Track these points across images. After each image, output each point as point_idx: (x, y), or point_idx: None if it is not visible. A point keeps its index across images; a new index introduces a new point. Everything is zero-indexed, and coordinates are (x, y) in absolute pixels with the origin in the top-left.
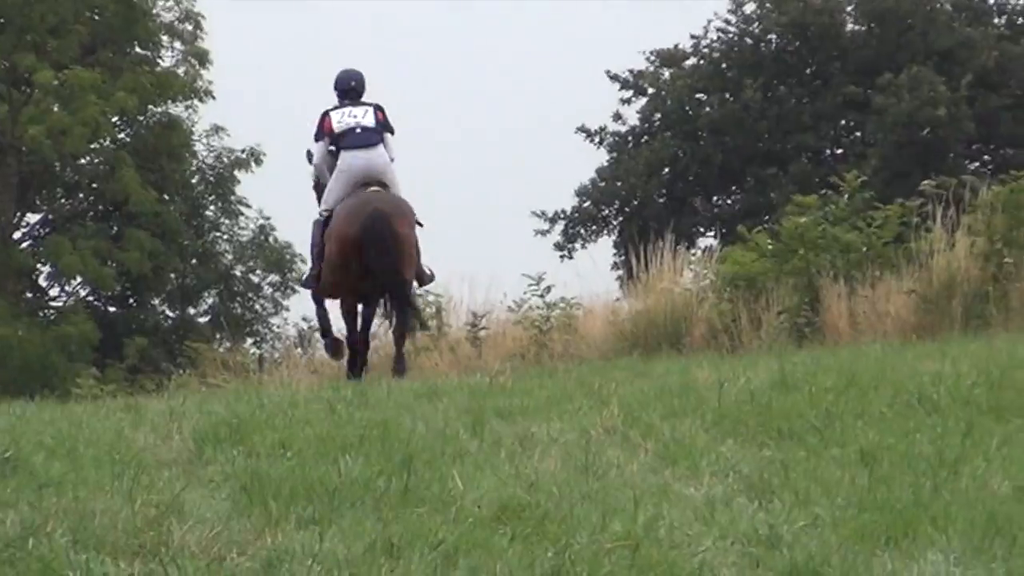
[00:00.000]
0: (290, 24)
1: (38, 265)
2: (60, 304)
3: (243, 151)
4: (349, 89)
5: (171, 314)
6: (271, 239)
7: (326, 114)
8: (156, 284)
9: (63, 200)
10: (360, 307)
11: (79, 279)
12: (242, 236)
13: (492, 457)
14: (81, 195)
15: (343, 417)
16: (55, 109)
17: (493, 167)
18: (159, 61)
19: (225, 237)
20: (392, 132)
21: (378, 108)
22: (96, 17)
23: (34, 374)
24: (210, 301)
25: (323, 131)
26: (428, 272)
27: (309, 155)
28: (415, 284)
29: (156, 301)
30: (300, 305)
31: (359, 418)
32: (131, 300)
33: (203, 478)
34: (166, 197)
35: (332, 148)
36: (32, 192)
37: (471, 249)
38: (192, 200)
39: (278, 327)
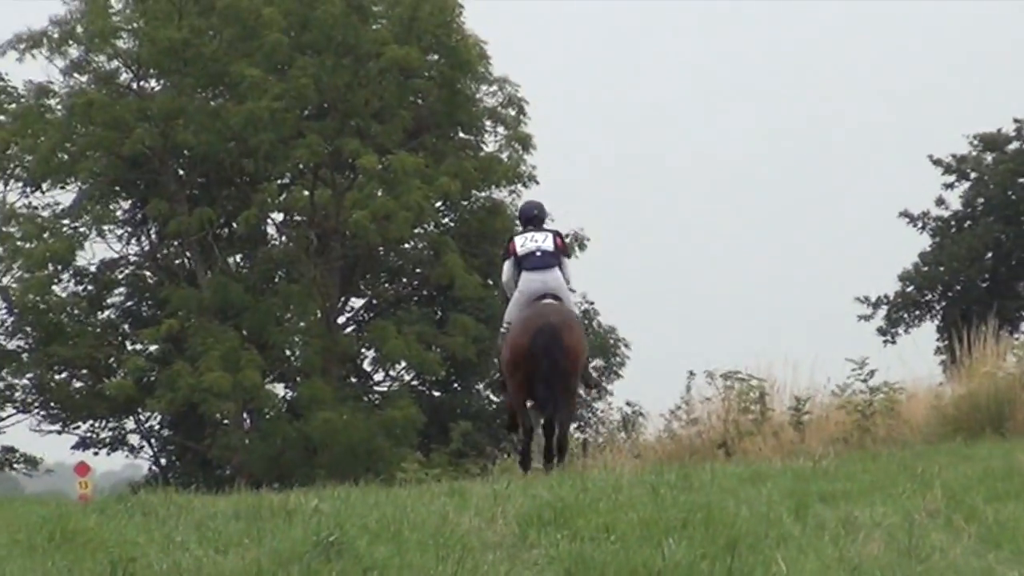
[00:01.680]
0: (610, 110)
1: (362, 350)
2: (384, 389)
3: (566, 236)
4: (532, 217)
5: (495, 399)
6: (595, 323)
7: (511, 239)
8: (480, 368)
9: (387, 285)
10: (531, 406)
11: (403, 364)
12: None
13: (815, 541)
14: (405, 280)
15: (667, 500)
16: (379, 194)
17: (817, 252)
18: (482, 146)
19: None
20: (569, 257)
21: (557, 234)
22: (419, 102)
23: (359, 458)
24: None
25: (509, 253)
26: (595, 377)
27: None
28: (581, 389)
29: (480, 386)
30: (624, 390)
31: (683, 501)
32: (455, 384)
33: (527, 561)
34: (490, 282)
35: (516, 269)
36: (356, 276)
37: (794, 333)
38: None
39: (602, 411)
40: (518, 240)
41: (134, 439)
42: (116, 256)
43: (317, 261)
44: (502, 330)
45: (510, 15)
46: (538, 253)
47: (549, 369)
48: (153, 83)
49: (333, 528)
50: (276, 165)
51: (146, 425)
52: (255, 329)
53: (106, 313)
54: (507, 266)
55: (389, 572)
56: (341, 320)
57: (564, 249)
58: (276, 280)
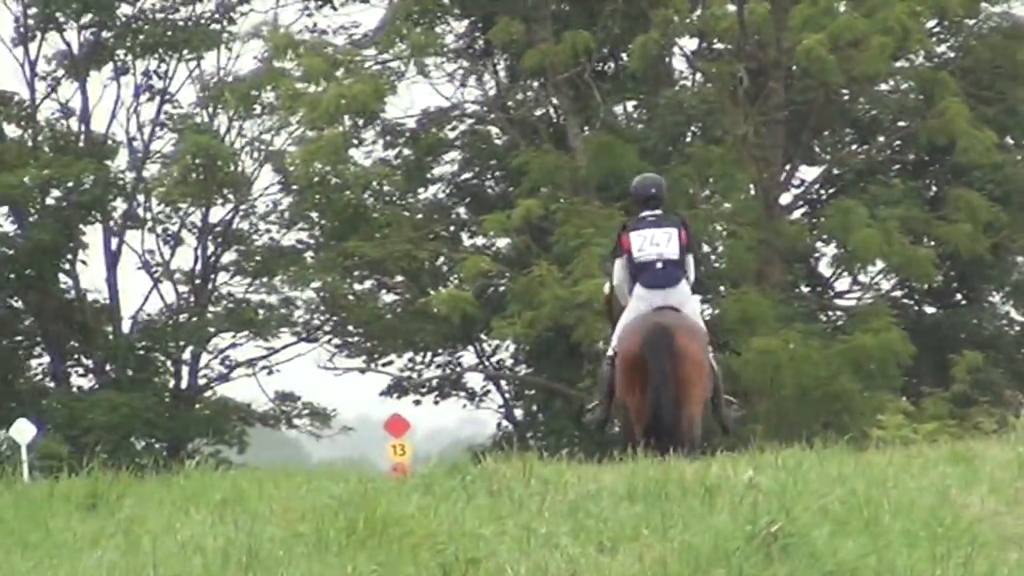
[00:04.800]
0: None
1: (818, 244)
2: (852, 302)
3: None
4: (650, 197)
5: (1019, 316)
6: None
7: (624, 229)
8: (996, 272)
9: (854, 146)
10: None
11: (880, 265)
12: None
13: None
14: (882, 138)
15: None
16: (841, 8)
17: None
18: None
19: None
20: (694, 252)
21: (683, 226)
22: None
23: (814, 407)
24: None
25: (622, 249)
26: (736, 408)
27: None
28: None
29: (996, 297)
30: None
31: None
32: (958, 296)
33: None
34: (1010, 140)
35: (631, 275)
36: (807, 134)
37: None
38: None
39: None
40: (635, 240)
41: (475, 380)
42: (446, 105)
43: (749, 111)
44: (608, 355)
45: None
46: (659, 264)
47: (660, 378)
48: None
49: (776, 512)
50: None
51: (493, 359)
52: None
53: (431, 190)
54: (619, 267)
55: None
56: (786, 199)
57: (690, 244)
58: (687, 139)
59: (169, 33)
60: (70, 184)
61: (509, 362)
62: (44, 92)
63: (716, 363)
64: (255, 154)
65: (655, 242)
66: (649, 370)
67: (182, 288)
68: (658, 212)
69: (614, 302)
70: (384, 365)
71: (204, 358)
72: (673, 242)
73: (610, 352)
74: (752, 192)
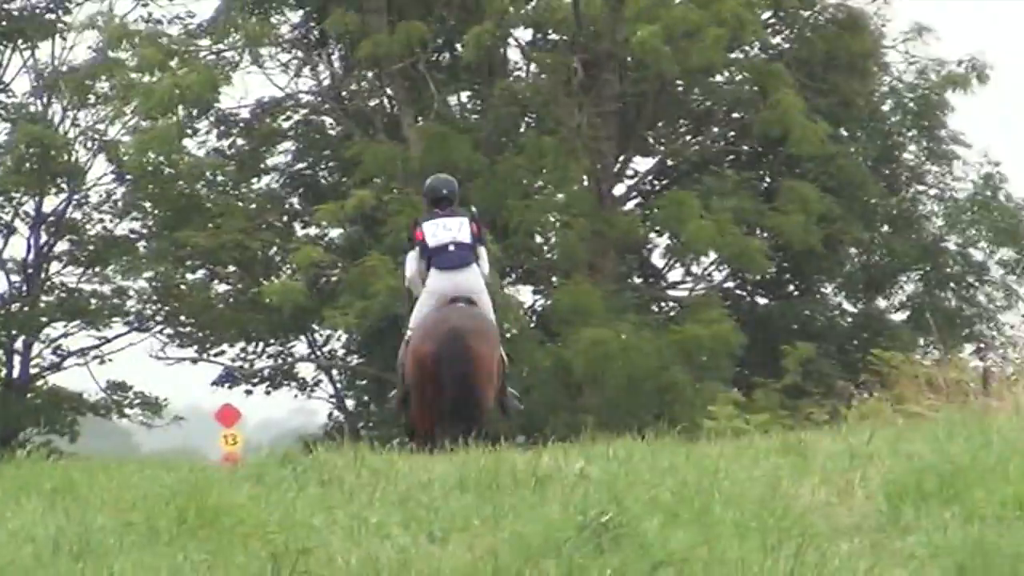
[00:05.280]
0: None
1: (651, 235)
2: (684, 293)
3: (960, 64)
4: (442, 198)
5: (851, 308)
6: (1000, 195)
7: (417, 224)
8: (828, 263)
9: (688, 138)
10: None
11: (712, 256)
12: (958, 191)
13: None
14: (716, 130)
15: None
16: (676, 0)
17: None
18: None
19: (932, 192)
20: (484, 244)
21: (473, 219)
22: None
23: (645, 397)
24: (909, 288)
25: (415, 240)
26: (516, 399)
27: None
28: (499, 412)
29: (828, 289)
30: None
31: None
32: (791, 287)
33: (899, 552)
34: (844, 132)
35: (425, 262)
36: (641, 125)
37: None
38: (882, 137)
39: (1012, 327)
40: (427, 228)
41: (306, 370)
42: (280, 95)
43: (583, 101)
44: (406, 337)
45: None
46: (451, 247)
47: (455, 383)
48: None
49: (607, 503)
50: None
51: (324, 349)
52: (488, 203)
53: (265, 181)
54: (411, 258)
55: (692, 567)
56: (619, 190)
57: (480, 236)
58: (521, 130)
59: (3, 22)
60: None
61: (341, 352)
62: None
63: (505, 357)
64: (89, 144)
65: (447, 228)
66: (444, 376)
67: (14, 278)
68: (450, 209)
69: (407, 296)
70: (216, 355)
71: (36, 347)
72: (464, 230)
73: (407, 336)
74: (585, 183)
